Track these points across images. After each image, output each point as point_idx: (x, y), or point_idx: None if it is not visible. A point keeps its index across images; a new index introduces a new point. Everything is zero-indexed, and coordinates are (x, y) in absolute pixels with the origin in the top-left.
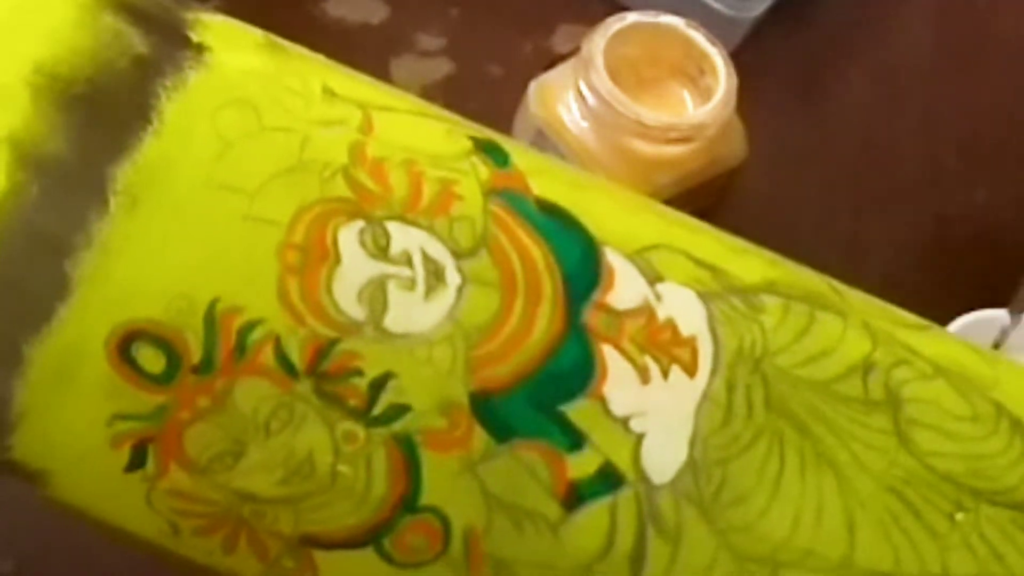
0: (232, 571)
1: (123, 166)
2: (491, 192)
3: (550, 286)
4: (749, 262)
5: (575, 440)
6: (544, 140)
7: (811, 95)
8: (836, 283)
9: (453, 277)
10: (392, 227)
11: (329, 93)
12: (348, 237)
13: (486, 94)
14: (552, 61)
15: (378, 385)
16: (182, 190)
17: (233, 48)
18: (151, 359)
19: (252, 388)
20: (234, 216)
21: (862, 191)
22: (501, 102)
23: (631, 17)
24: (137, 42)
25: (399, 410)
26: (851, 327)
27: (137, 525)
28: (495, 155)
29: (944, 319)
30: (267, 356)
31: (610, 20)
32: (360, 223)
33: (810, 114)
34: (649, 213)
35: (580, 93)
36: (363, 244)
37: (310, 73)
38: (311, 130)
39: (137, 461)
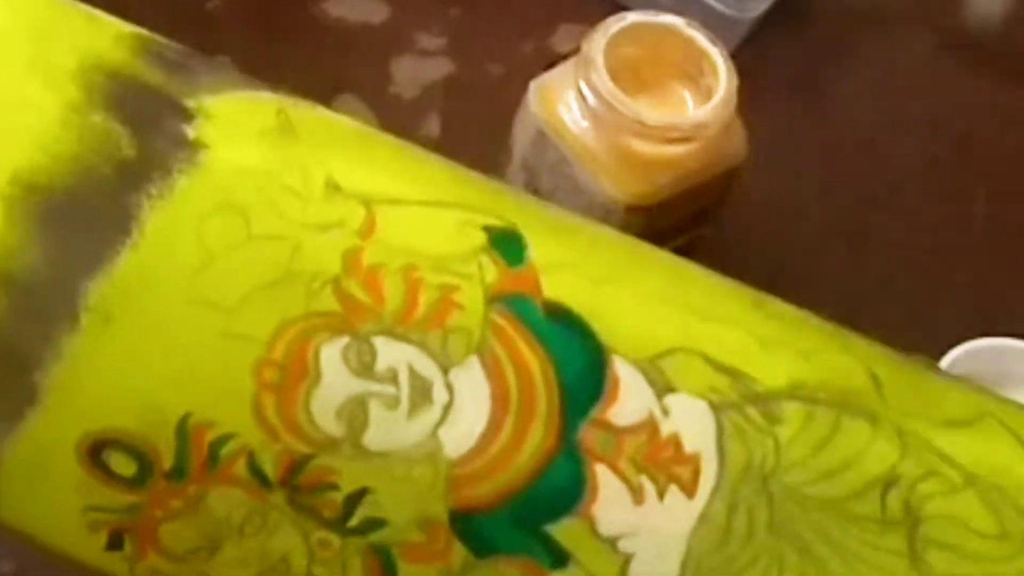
0: None
1: (97, 280)
2: (495, 298)
3: (545, 402)
4: (777, 360)
5: (559, 558)
6: (544, 140)
7: (811, 95)
8: (883, 366)
9: (440, 395)
10: (379, 342)
11: (332, 188)
12: (331, 354)
13: (486, 94)
14: (552, 61)
15: (354, 499)
16: (158, 307)
17: (234, 140)
18: (123, 464)
19: (225, 495)
20: (211, 333)
21: (862, 191)
22: (501, 102)
23: (631, 17)
24: (125, 144)
25: (375, 523)
26: (880, 434)
27: None
28: (510, 250)
29: (944, 319)
30: (240, 468)
31: (610, 20)
32: (345, 339)
33: (810, 114)
34: (675, 305)
35: (580, 93)
36: (346, 361)
37: (315, 163)
38: (304, 236)
39: (115, 545)
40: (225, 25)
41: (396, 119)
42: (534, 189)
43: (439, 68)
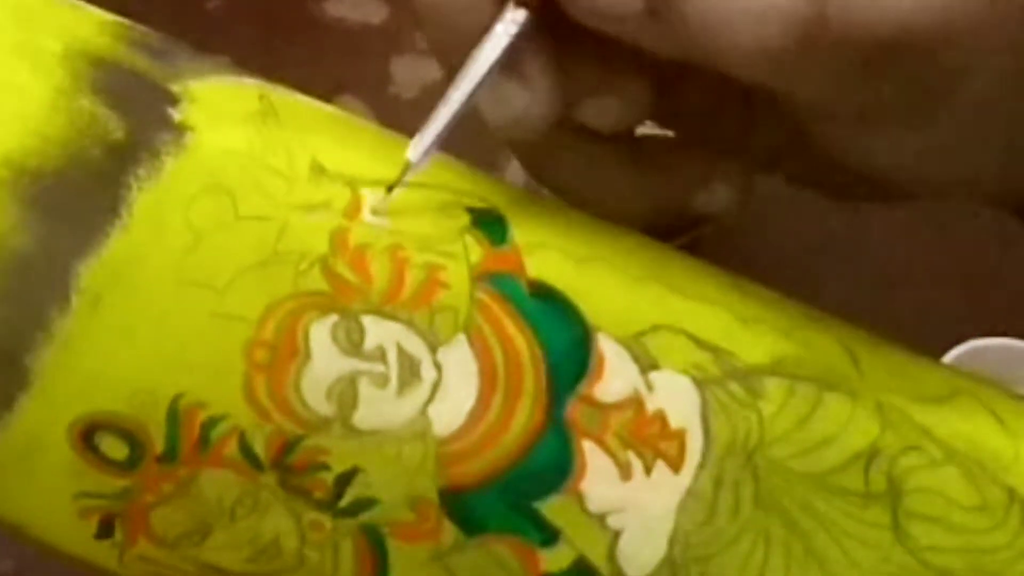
0: None
1: (88, 263)
2: (480, 276)
3: (532, 379)
4: (758, 336)
5: (548, 536)
6: None
7: None
8: (860, 344)
9: (429, 373)
10: (368, 321)
11: (317, 170)
12: (320, 333)
13: None
14: None
15: (344, 480)
16: (148, 288)
17: (218, 123)
18: (114, 447)
19: (216, 478)
20: (201, 313)
21: None
22: None
23: None
24: (113, 127)
25: (366, 503)
26: (860, 408)
27: None
28: (493, 230)
29: (944, 319)
30: (231, 449)
31: None
32: (334, 318)
33: None
34: (657, 283)
35: None
36: (335, 340)
37: (299, 146)
38: (291, 217)
39: (105, 532)
40: (225, 25)
41: (396, 119)
42: (534, 189)
43: (439, 68)
